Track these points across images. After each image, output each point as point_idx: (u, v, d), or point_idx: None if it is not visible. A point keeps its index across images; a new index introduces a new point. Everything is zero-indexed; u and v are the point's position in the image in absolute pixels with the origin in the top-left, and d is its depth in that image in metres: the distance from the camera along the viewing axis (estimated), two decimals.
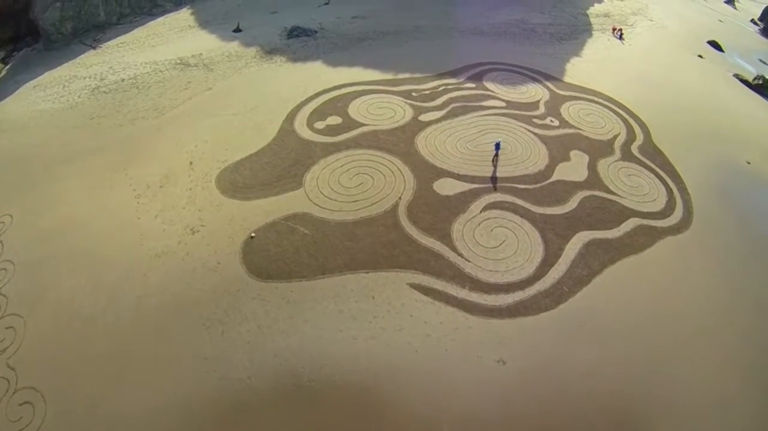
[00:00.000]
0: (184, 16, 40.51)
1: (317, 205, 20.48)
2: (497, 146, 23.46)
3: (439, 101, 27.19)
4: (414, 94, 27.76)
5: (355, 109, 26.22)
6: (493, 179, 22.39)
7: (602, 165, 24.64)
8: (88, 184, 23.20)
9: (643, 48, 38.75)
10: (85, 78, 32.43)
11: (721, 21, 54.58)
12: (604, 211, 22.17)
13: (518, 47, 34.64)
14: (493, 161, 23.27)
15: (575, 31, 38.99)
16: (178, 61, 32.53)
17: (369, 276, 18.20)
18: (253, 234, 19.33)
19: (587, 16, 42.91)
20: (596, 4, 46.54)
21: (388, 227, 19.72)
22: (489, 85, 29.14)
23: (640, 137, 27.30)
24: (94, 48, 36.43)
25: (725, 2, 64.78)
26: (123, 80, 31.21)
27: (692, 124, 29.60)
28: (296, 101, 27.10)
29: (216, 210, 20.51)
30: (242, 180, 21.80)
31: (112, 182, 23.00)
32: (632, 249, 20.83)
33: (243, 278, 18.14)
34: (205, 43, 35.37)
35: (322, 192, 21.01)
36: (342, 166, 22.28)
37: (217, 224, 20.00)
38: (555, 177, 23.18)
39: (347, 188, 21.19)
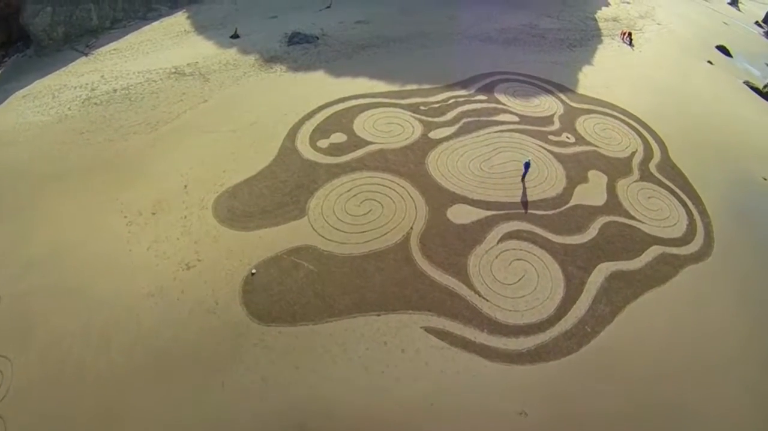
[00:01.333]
0: (179, 20, 37.83)
1: (323, 236, 18.46)
2: (527, 165, 21.58)
3: (449, 116, 25.06)
4: (422, 107, 25.60)
5: (361, 125, 24.07)
6: (524, 202, 20.53)
7: (621, 186, 22.72)
8: (77, 208, 21.04)
9: (653, 54, 36.63)
10: (75, 88, 29.97)
11: (726, 24, 52.37)
12: (626, 239, 20.33)
13: (528, 55, 32.39)
14: (523, 180, 21.41)
15: (585, 37, 36.72)
16: (173, 70, 30.11)
17: (380, 319, 16.30)
18: (253, 271, 17.34)
19: (596, 20, 40.59)
20: (603, 8, 44.19)
21: (400, 262, 17.76)
22: (501, 97, 26.99)
23: (657, 154, 25.37)
24: (86, 55, 33.86)
25: (728, 3, 62.42)
26: (115, 91, 28.80)
27: (707, 138, 27.76)
28: (298, 116, 24.90)
29: (213, 242, 18.47)
30: (241, 207, 19.71)
31: (101, 206, 20.85)
32: (655, 281, 19.09)
33: (244, 322, 16.19)
34: (202, 50, 32.87)
35: (327, 221, 18.98)
36: (348, 191, 20.22)
37: (214, 258, 17.97)
38: (574, 201, 21.24)
39: (355, 216, 19.17)
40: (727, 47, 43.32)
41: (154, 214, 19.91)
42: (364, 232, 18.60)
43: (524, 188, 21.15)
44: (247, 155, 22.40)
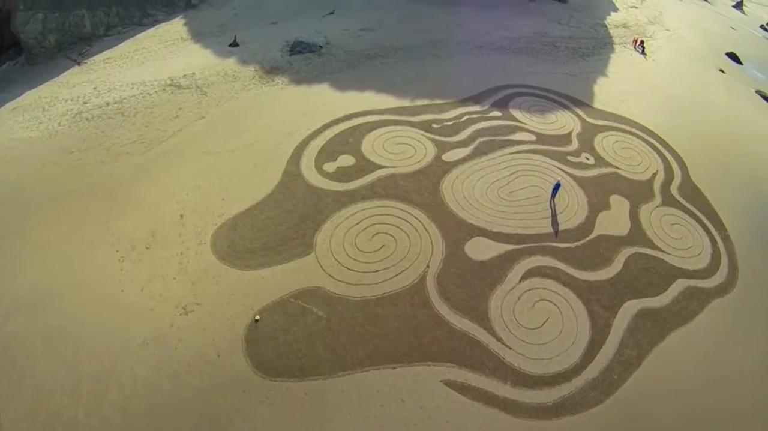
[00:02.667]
0: (176, 27, 35.37)
1: (331, 276, 16.68)
2: (557, 186, 19.91)
3: (463, 135, 23.16)
4: (435, 125, 23.69)
5: (370, 145, 22.16)
6: (555, 230, 18.91)
7: (644, 213, 21.05)
8: (67, 239, 19.10)
9: (666, 63, 34.78)
10: (67, 101, 27.74)
11: (733, 29, 50.48)
12: (651, 272, 18.73)
13: (541, 65, 30.41)
14: (550, 205, 19.74)
15: (597, 45, 34.74)
16: (169, 83, 27.91)
17: (397, 372, 14.61)
18: (257, 317, 15.57)
19: (606, 27, 38.55)
20: (612, 13, 42.12)
21: (416, 306, 16.03)
22: (516, 113, 25.10)
23: (678, 175, 23.70)
24: (78, 64, 31.50)
25: (733, 7, 60.40)
26: (107, 104, 26.63)
27: (726, 155, 26.19)
28: (302, 135, 22.94)
29: (213, 283, 16.64)
30: (242, 242, 17.85)
31: (92, 237, 18.92)
32: (681, 319, 17.64)
33: (248, 376, 14.46)
34: (199, 59, 30.60)
35: (336, 259, 17.18)
36: (358, 223, 18.39)
37: (214, 301, 16.16)
38: (597, 232, 19.54)
39: (366, 253, 17.36)
40: (737, 54, 41.56)
41: (148, 248, 18.03)
42: (376, 271, 16.83)
43: (553, 212, 19.53)
44: (248, 180, 20.48)
